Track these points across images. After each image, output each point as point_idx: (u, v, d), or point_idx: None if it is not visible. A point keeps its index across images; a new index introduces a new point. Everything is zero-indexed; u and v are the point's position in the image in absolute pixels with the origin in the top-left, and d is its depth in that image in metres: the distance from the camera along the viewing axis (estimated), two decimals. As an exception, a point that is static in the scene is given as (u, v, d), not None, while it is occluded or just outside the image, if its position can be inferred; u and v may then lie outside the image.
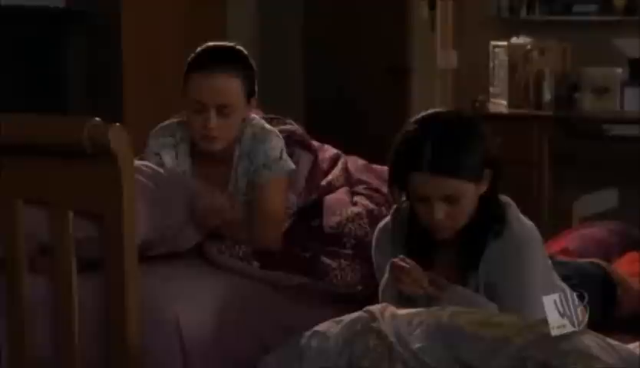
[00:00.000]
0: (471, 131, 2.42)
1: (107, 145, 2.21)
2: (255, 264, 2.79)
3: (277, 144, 2.94)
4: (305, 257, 2.86)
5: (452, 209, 2.39)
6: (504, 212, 2.46)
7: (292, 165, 2.97)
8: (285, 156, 2.95)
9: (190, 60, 2.88)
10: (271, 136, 2.95)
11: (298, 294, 2.79)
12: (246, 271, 2.76)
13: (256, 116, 3.03)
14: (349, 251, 2.89)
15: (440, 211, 2.38)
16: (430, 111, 2.48)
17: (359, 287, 2.83)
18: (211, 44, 2.93)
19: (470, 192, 2.40)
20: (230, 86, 2.84)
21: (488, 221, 2.44)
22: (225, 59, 2.87)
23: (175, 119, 3.02)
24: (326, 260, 2.85)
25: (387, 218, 2.63)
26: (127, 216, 2.27)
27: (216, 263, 2.76)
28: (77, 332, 2.37)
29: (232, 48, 2.92)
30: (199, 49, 2.91)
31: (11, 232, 2.42)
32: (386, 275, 2.48)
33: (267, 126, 3.00)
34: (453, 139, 2.39)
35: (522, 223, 2.48)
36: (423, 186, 2.38)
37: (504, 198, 2.52)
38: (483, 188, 2.44)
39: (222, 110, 2.82)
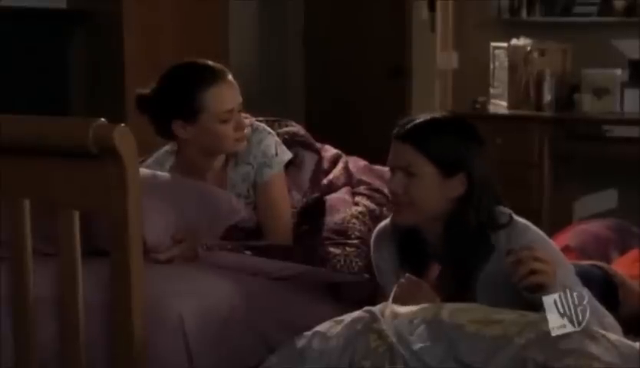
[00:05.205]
0: (460, 131, 2.42)
1: (112, 145, 2.22)
2: (247, 253, 2.81)
3: (271, 140, 2.99)
4: (301, 245, 2.89)
5: (409, 183, 2.39)
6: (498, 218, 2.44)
7: (289, 154, 3.02)
8: (279, 149, 2.99)
9: (195, 79, 2.89)
10: (263, 134, 2.99)
11: (301, 288, 2.79)
12: (246, 262, 2.77)
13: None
14: (355, 241, 2.91)
15: (397, 181, 2.40)
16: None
17: (366, 275, 2.80)
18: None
19: (429, 175, 2.38)
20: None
21: (466, 224, 2.39)
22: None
23: (162, 150, 3.06)
24: (330, 249, 2.86)
25: (386, 221, 2.60)
26: (132, 216, 2.28)
27: (210, 261, 2.76)
28: (82, 330, 2.38)
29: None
30: (197, 65, 2.94)
31: (17, 232, 2.43)
32: (392, 293, 2.41)
33: (256, 123, 3.03)
34: (436, 123, 2.41)
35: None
36: (391, 156, 2.43)
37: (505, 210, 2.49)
38: (454, 190, 2.40)
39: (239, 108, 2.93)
